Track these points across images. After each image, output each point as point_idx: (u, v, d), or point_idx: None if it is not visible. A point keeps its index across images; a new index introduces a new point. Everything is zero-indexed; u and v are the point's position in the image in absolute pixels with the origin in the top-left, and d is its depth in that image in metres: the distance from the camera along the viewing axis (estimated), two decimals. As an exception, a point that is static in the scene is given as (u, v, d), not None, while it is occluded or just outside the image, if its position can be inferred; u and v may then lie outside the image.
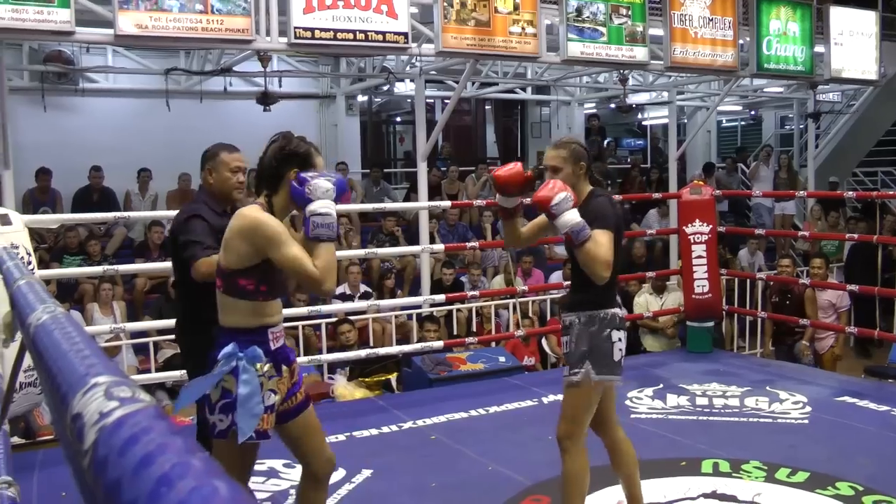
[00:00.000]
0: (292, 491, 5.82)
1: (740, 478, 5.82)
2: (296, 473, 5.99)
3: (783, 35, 13.68)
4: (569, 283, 8.89)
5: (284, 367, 4.04)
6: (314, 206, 3.81)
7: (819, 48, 14.49)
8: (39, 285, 2.19)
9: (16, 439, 6.95)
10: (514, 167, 4.74)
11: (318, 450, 4.27)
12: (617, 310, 4.69)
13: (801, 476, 5.81)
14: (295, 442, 4.23)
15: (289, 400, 4.13)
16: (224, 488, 0.76)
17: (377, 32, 10.18)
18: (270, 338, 3.98)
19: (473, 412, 7.66)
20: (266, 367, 3.89)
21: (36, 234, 11.12)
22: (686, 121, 21.60)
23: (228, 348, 3.84)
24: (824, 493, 5.53)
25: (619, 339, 4.63)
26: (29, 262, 6.20)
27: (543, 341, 11.14)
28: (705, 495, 5.54)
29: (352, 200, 13.96)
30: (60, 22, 8.69)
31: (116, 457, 0.87)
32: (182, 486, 0.76)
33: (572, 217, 4.39)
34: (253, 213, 3.92)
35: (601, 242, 4.43)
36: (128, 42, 10.65)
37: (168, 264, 8.55)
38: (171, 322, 8.23)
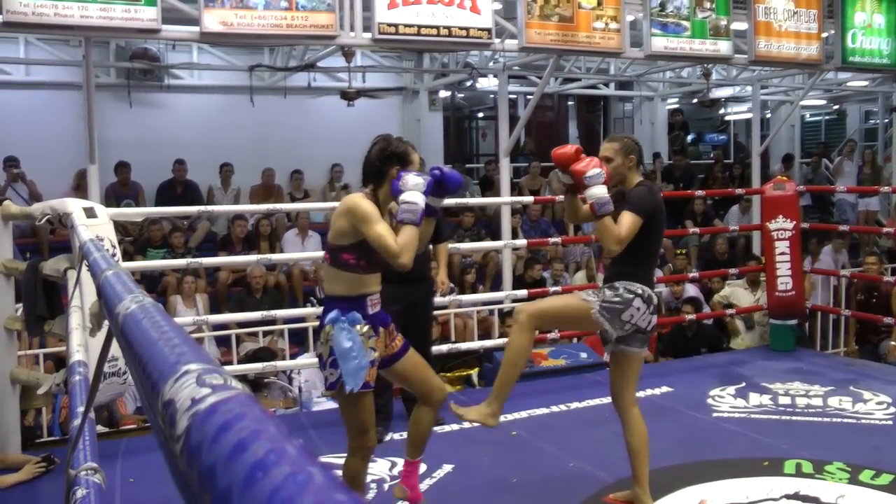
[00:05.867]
0: (373, 485, 5.87)
1: (823, 479, 5.76)
2: (377, 467, 6.05)
3: (868, 27, 13.45)
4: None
5: (382, 329, 4.77)
6: (403, 196, 4.47)
7: (905, 40, 14.26)
8: (126, 275, 2.22)
9: (99, 428, 7.07)
10: (569, 147, 5.14)
11: (429, 380, 5.06)
12: (647, 287, 5.10)
13: (886, 478, 5.74)
14: (406, 379, 5.08)
15: (388, 348, 4.86)
16: (319, 475, 0.77)
17: (460, 28, 10.19)
18: (368, 304, 4.69)
19: (555, 408, 7.66)
20: (365, 329, 4.59)
21: (120, 227, 11.26)
22: (769, 115, 21.35)
23: (333, 314, 4.58)
24: (909, 496, 5.47)
25: (638, 308, 5.05)
26: (114, 255, 6.27)
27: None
28: (788, 496, 5.49)
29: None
30: (147, 20, 8.84)
31: (210, 443, 0.88)
32: (277, 472, 0.77)
33: (600, 191, 4.91)
34: (353, 197, 4.64)
35: (622, 221, 4.97)
36: (213, 39, 10.80)
37: (250, 258, 8.93)
38: (252, 315, 8.44)
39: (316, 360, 5.21)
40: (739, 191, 12.80)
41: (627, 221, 4.95)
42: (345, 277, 4.62)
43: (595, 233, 5.13)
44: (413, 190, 4.45)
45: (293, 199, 14.34)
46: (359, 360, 4.51)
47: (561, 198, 10.90)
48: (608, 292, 5.03)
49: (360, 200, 4.55)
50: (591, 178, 4.87)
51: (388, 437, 6.81)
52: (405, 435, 6.67)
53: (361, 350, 4.53)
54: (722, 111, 23.30)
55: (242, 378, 9.60)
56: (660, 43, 11.56)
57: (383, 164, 4.67)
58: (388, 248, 4.40)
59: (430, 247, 7.11)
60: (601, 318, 4.99)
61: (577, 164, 4.92)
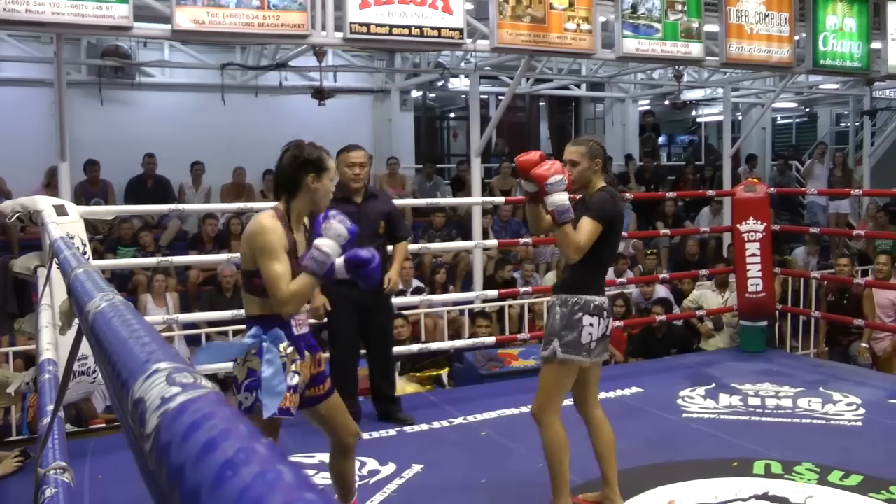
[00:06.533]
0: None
1: (792, 479, 5.78)
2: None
3: (840, 31, 13.52)
4: (620, 280, 8.93)
5: (307, 353, 4.39)
6: (319, 242, 4.07)
7: (876, 44, 14.32)
8: (97, 273, 2.22)
9: (68, 426, 7.03)
10: (532, 154, 5.03)
11: (344, 425, 4.70)
12: (595, 297, 5.04)
13: (855, 479, 5.76)
14: (323, 421, 4.63)
15: (317, 387, 4.51)
16: (289, 473, 0.77)
17: (432, 28, 10.19)
18: (293, 324, 4.32)
19: (524, 408, 7.60)
20: (289, 350, 4.24)
21: (90, 226, 11.20)
22: (741, 118, 21.44)
23: (253, 330, 4.23)
24: (878, 497, 5.48)
25: (591, 325, 4.99)
26: (84, 253, 6.25)
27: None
28: (757, 497, 5.50)
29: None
30: (119, 17, 8.79)
31: (180, 442, 0.88)
32: (247, 471, 0.77)
33: (561, 198, 4.79)
34: (259, 221, 4.22)
35: (582, 228, 4.91)
36: (185, 37, 10.79)
37: (220, 256, 9.01)
38: (223, 314, 8.45)
39: None
40: (710, 192, 12.86)
41: (587, 229, 4.90)
42: (262, 301, 4.25)
43: (557, 240, 5.06)
44: (332, 241, 4.05)
45: (265, 198, 14.31)
46: (278, 385, 4.13)
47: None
48: (557, 322, 5.01)
49: (265, 226, 4.17)
50: (552, 184, 4.76)
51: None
52: (373, 435, 6.69)
53: (280, 374, 4.16)
54: (693, 113, 23.40)
55: (212, 377, 9.59)
56: (631, 44, 11.58)
57: (296, 172, 4.28)
58: (277, 292, 4.10)
59: (389, 248, 7.12)
60: (571, 357, 4.97)
61: (539, 168, 4.82)
